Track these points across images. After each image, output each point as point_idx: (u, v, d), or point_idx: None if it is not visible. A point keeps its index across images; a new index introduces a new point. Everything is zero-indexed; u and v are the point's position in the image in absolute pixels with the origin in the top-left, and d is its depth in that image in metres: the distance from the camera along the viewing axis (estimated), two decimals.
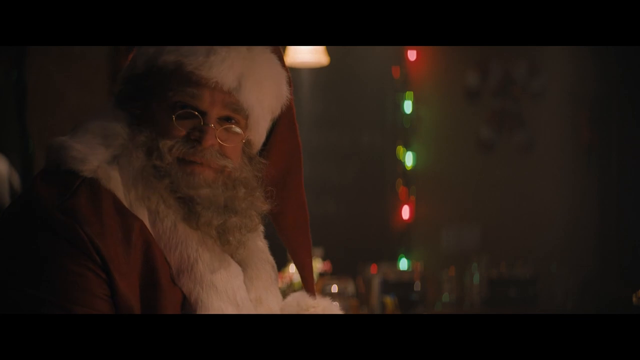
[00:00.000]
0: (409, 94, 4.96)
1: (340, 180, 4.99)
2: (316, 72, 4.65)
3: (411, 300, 4.22)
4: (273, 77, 1.38)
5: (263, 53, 1.37)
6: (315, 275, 3.88)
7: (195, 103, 1.29)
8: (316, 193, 4.90)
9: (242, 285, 1.33)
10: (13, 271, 1.19)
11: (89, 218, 1.20)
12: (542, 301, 4.59)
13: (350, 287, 3.81)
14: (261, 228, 1.47)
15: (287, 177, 1.50)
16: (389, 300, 3.95)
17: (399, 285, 4.23)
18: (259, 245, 1.46)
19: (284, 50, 1.53)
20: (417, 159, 4.96)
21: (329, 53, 4.23)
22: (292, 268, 3.64)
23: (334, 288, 3.70)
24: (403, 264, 4.87)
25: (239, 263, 1.36)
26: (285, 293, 1.55)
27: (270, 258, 1.48)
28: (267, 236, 1.50)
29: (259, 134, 1.40)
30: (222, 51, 1.30)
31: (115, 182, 1.25)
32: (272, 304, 1.42)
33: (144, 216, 1.25)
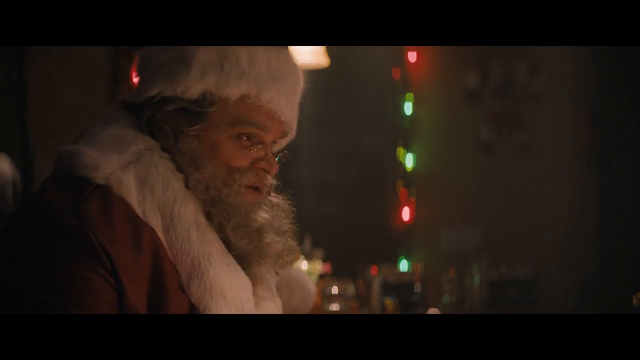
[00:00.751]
0: (409, 95, 4.96)
1: (341, 181, 4.99)
2: (316, 73, 4.64)
3: (411, 302, 4.22)
4: (300, 92, 1.44)
5: (300, 73, 1.42)
6: (315, 277, 3.89)
7: (262, 134, 1.35)
8: (316, 194, 4.90)
9: (251, 299, 1.34)
10: (22, 274, 1.19)
11: (100, 223, 1.20)
12: (542, 302, 4.59)
13: (351, 289, 3.81)
14: None
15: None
16: (389, 301, 3.95)
17: (399, 287, 4.23)
18: None
19: None
20: (417, 160, 4.96)
21: (329, 54, 4.23)
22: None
23: (334, 289, 3.70)
24: (403, 265, 4.87)
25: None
26: None
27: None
28: None
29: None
30: (284, 83, 1.35)
31: (128, 189, 1.25)
32: (271, 306, 1.43)
33: (158, 222, 1.26)
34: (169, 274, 1.25)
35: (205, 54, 1.31)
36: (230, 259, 1.32)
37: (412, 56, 4.96)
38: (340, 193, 4.98)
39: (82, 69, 3.76)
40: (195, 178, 1.30)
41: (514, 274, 4.60)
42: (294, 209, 1.44)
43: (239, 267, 1.33)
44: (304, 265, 3.91)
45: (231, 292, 1.29)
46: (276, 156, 1.40)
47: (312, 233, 4.09)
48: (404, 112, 4.96)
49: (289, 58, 1.39)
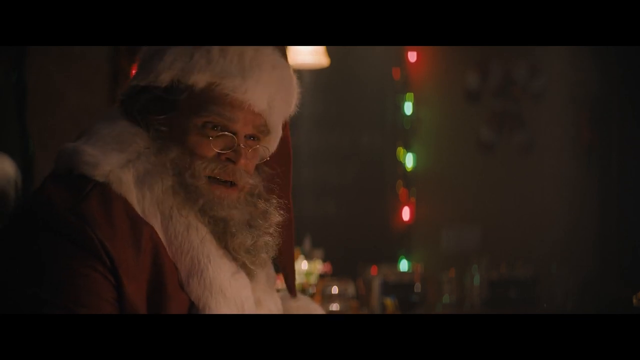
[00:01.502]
0: (409, 95, 4.96)
1: (341, 181, 4.99)
2: (316, 73, 4.64)
3: (411, 302, 4.22)
4: (292, 93, 1.43)
5: (286, 69, 1.41)
6: (315, 277, 3.89)
7: (228, 124, 1.33)
8: (316, 194, 4.90)
9: (250, 297, 1.34)
10: (23, 272, 1.19)
11: (100, 221, 1.20)
12: (542, 302, 4.59)
13: (351, 289, 3.81)
14: None
15: (277, 181, 1.52)
16: (389, 301, 3.94)
17: (400, 287, 4.23)
18: None
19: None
20: (417, 160, 4.96)
21: (329, 54, 4.23)
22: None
23: (334, 289, 3.70)
24: (403, 265, 4.87)
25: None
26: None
27: (269, 260, 1.49)
28: None
29: (273, 147, 1.45)
30: (255, 73, 1.33)
31: (127, 187, 1.25)
32: (271, 306, 1.43)
33: (157, 220, 1.26)
34: (169, 272, 1.25)
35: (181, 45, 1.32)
36: (228, 256, 1.32)
37: (412, 56, 4.95)
38: (340, 193, 4.98)
39: (82, 69, 3.76)
40: (168, 159, 1.30)
41: (514, 274, 4.60)
42: (281, 213, 1.41)
43: (237, 265, 1.33)
44: (304, 265, 3.91)
45: (230, 289, 1.29)
46: (253, 148, 1.37)
47: (312, 233, 4.09)
48: (404, 112, 4.95)
49: (271, 52, 1.38)
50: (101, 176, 1.24)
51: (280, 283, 1.60)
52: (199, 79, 1.31)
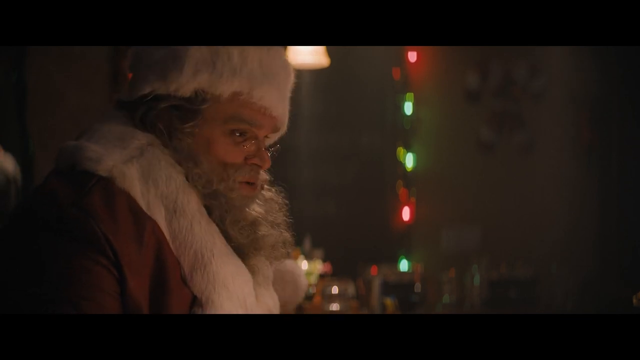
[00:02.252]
0: (409, 95, 4.96)
1: (341, 181, 4.99)
2: (316, 73, 4.64)
3: (411, 302, 4.22)
4: (291, 84, 1.45)
5: (289, 67, 1.43)
6: (315, 277, 3.89)
7: (254, 130, 1.36)
8: (316, 194, 4.90)
9: (252, 292, 1.35)
10: (27, 268, 1.19)
11: (103, 216, 1.20)
12: (542, 302, 4.59)
13: (351, 289, 3.81)
14: None
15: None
16: (389, 301, 3.95)
17: (400, 287, 4.23)
18: None
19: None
20: (417, 160, 4.96)
21: (329, 54, 4.23)
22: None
23: (335, 289, 3.70)
24: (403, 265, 4.87)
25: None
26: None
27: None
28: None
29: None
30: (275, 79, 1.37)
31: (131, 181, 1.26)
32: (269, 301, 1.43)
33: (161, 215, 1.26)
34: (171, 267, 1.25)
35: (197, 52, 1.32)
36: (230, 251, 1.33)
37: (412, 56, 4.96)
38: (340, 193, 4.98)
39: (82, 69, 3.76)
40: (195, 173, 1.32)
41: (514, 274, 4.61)
42: (287, 202, 1.46)
43: (240, 260, 1.34)
44: (304, 265, 3.91)
45: (233, 284, 1.30)
46: (268, 151, 1.42)
47: (312, 233, 4.09)
48: (404, 112, 4.96)
49: (280, 54, 1.41)
50: (104, 171, 1.25)
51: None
52: (226, 90, 1.32)
